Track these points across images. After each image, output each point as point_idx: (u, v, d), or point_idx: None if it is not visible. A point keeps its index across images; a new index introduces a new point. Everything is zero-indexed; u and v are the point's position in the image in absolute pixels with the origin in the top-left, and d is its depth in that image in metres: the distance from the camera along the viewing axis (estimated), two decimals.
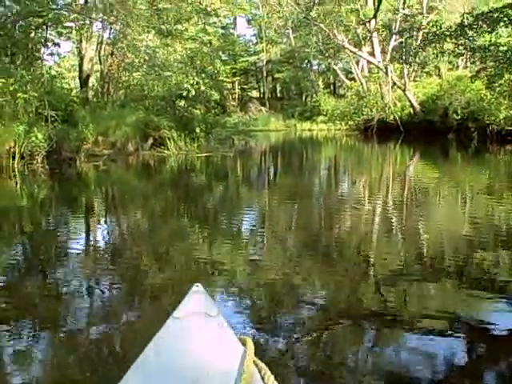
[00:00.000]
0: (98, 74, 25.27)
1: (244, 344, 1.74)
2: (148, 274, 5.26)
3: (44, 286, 4.99)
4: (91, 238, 7.33)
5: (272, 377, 1.61)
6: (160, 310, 4.16)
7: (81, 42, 22.44)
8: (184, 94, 20.97)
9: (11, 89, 14.15)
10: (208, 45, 27.85)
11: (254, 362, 1.66)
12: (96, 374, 3.22)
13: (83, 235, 7.57)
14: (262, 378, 1.61)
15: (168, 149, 18.73)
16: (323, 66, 47.87)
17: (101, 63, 24.02)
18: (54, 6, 17.98)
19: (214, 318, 1.81)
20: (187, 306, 1.83)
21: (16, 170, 13.59)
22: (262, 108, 46.92)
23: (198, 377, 1.53)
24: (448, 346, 3.53)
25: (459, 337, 3.72)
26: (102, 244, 6.92)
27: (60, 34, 22.35)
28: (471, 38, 16.48)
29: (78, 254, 6.13)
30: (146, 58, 19.50)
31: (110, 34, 23.74)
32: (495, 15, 15.30)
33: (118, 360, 3.35)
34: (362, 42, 32.23)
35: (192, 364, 1.58)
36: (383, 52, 31.71)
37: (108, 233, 7.70)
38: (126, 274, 5.26)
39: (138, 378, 1.57)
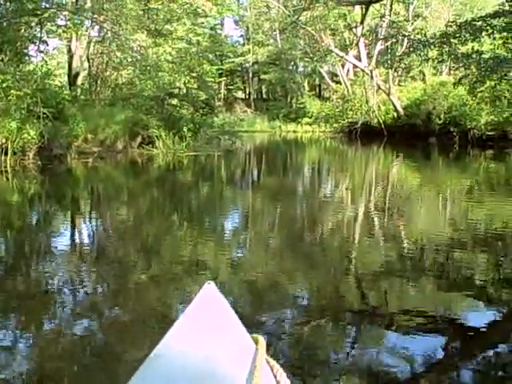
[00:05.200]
0: (86, 73, 25.36)
1: (256, 342, 1.72)
2: (131, 272, 5.32)
3: (28, 281, 5.04)
4: (77, 235, 7.45)
5: (284, 374, 1.61)
6: (141, 306, 4.31)
7: (70, 40, 22.53)
8: (175, 92, 21.19)
9: (4, 85, 14.31)
10: (196, 45, 28.03)
11: (266, 359, 1.65)
12: (81, 370, 3.29)
13: (69, 231, 7.68)
14: (275, 376, 1.60)
15: (156, 147, 18.96)
16: (309, 69, 48.14)
17: (89, 62, 24.14)
18: (48, 5, 18.15)
19: (226, 315, 1.79)
20: (199, 304, 1.79)
21: (8, 165, 13.78)
22: (248, 109, 47.15)
23: (209, 374, 1.53)
24: (426, 343, 3.64)
25: (437, 334, 3.85)
26: (86, 240, 7.05)
27: (50, 32, 22.41)
28: (455, 46, 16.91)
29: (62, 249, 6.23)
30: (139, 57, 19.70)
31: (99, 32, 23.89)
32: (478, 24, 15.77)
33: (99, 356, 3.45)
34: (349, 46, 32.62)
35: (203, 361, 1.57)
36: (369, 56, 32.12)
37: (93, 229, 7.84)
38: (109, 271, 5.33)
39: (150, 374, 1.55)
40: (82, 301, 4.48)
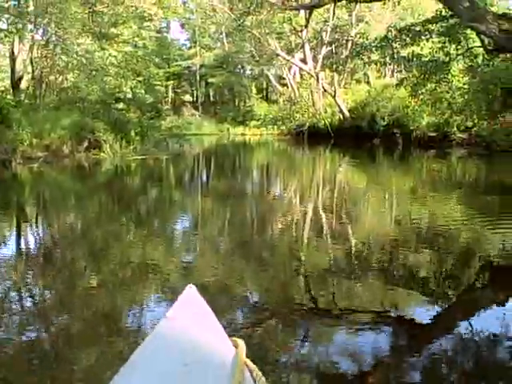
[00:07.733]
0: (30, 76, 24.89)
1: (236, 346, 1.76)
2: (77, 278, 5.25)
3: None
4: (22, 241, 7.31)
5: (263, 378, 1.62)
6: (89, 313, 4.31)
7: (13, 43, 22.07)
8: (121, 96, 21.08)
9: None
10: (142, 48, 27.91)
11: (245, 363, 1.67)
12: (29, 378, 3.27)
13: (14, 238, 7.55)
14: (254, 380, 1.62)
15: (103, 151, 18.80)
16: (256, 72, 48.41)
17: (33, 65, 23.72)
18: None
19: (207, 318, 1.84)
20: (180, 307, 1.84)
21: None
22: (196, 112, 47.16)
23: (189, 377, 1.55)
24: (374, 339, 3.75)
25: (384, 330, 3.96)
26: (31, 247, 6.92)
27: None
28: (396, 50, 17.43)
29: (5, 256, 6.10)
30: (84, 61, 19.51)
31: (43, 36, 23.50)
32: (417, 29, 16.29)
33: (47, 363, 3.43)
34: (295, 49, 33.02)
35: (184, 364, 1.59)
36: (314, 59, 32.57)
37: (38, 236, 7.70)
38: (55, 278, 5.26)
39: (131, 376, 1.57)
40: (28, 308, 4.46)
